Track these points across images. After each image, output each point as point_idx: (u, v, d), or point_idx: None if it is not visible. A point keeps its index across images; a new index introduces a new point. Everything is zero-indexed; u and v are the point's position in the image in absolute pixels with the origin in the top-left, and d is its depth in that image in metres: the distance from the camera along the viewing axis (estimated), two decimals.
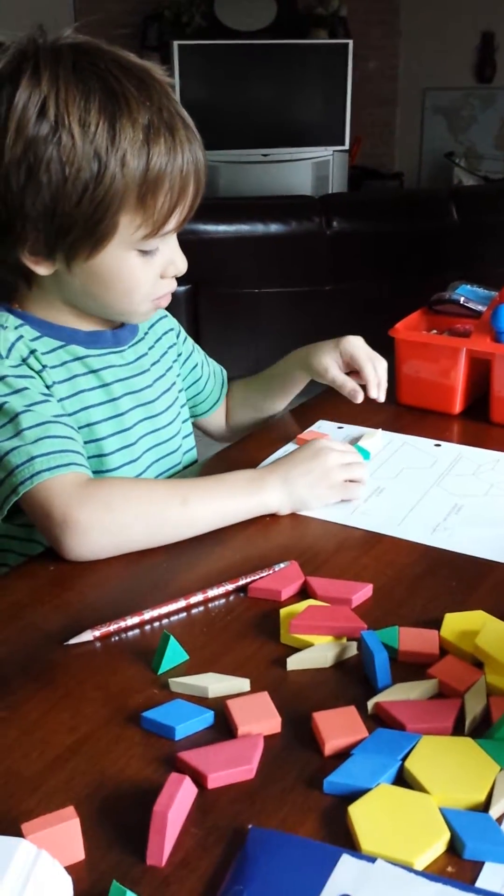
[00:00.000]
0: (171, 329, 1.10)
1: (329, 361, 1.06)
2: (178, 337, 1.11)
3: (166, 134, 0.82)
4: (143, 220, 0.83)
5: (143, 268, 0.87)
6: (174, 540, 0.84)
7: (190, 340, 1.14)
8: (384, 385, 1.06)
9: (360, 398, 1.05)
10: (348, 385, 1.05)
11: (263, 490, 0.87)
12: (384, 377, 1.06)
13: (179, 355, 1.10)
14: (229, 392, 1.21)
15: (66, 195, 0.80)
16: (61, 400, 0.90)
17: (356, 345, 1.06)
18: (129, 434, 0.96)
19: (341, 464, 0.90)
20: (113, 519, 0.80)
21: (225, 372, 1.20)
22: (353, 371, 1.07)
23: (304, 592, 0.76)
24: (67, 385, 0.91)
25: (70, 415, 0.90)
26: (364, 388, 1.05)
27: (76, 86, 0.79)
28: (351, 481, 0.91)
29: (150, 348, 1.03)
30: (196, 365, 1.14)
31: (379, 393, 1.05)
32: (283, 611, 0.72)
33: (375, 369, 1.05)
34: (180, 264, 0.90)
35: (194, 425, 1.17)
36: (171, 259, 0.89)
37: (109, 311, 0.93)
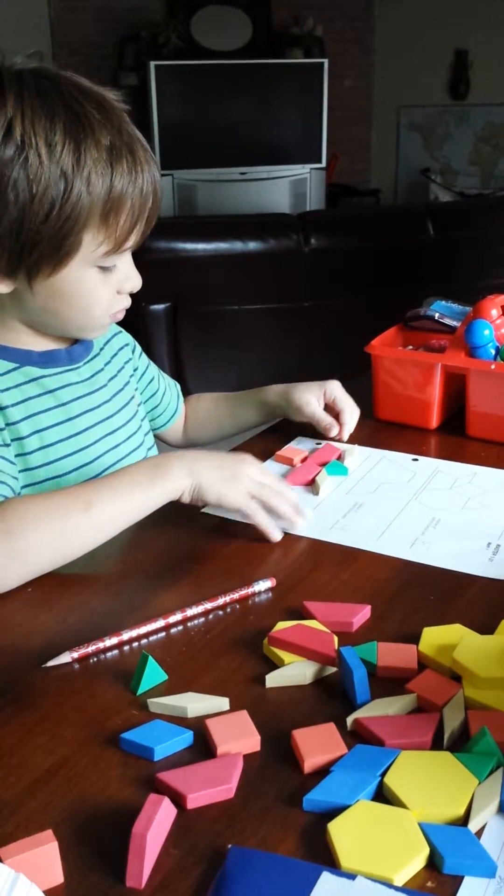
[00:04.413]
0: (127, 344, 1.11)
1: (310, 398, 1.10)
2: (133, 352, 1.12)
3: (127, 155, 0.84)
4: (106, 237, 0.85)
5: (103, 284, 0.89)
6: (85, 550, 0.81)
7: (145, 355, 1.16)
8: (350, 429, 1.11)
9: (334, 432, 1.09)
10: (326, 420, 1.10)
11: (167, 475, 0.83)
12: (354, 423, 1.12)
13: (136, 370, 1.12)
14: (194, 403, 1.23)
15: (34, 211, 0.81)
16: (14, 423, 0.90)
17: (339, 388, 1.11)
18: (88, 452, 0.96)
19: (257, 480, 0.87)
20: (16, 545, 0.77)
21: (179, 386, 1.23)
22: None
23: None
24: (21, 408, 0.92)
25: (24, 438, 0.90)
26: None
27: (41, 108, 0.80)
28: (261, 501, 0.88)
29: (106, 364, 1.04)
30: (152, 378, 1.16)
31: (343, 432, 1.10)
32: (278, 624, 0.71)
33: (353, 412, 1.11)
34: (135, 280, 0.93)
35: (155, 436, 1.20)
36: (127, 275, 0.92)
37: (68, 326, 0.94)
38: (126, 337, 1.12)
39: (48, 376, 0.95)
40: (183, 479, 0.84)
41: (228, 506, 0.86)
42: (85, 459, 0.95)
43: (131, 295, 0.94)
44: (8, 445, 0.90)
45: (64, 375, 0.96)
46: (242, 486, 0.86)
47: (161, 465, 0.84)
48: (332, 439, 1.10)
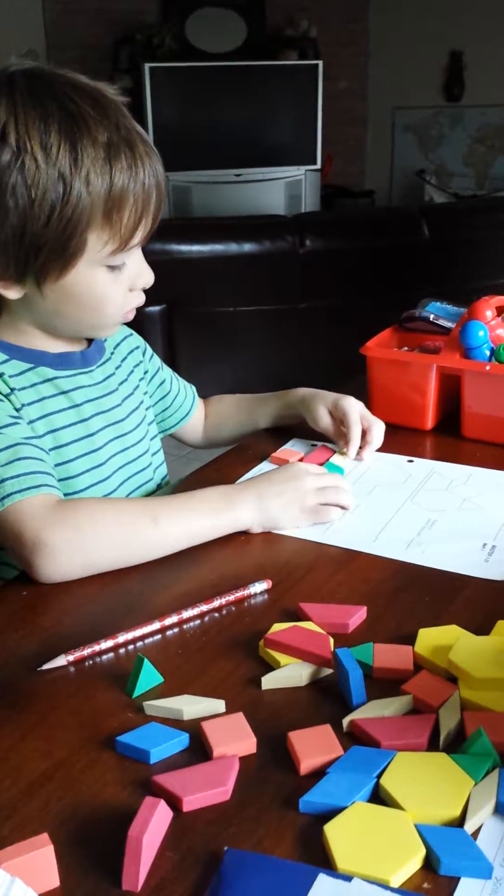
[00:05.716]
0: (137, 347, 1.11)
1: (325, 412, 1.09)
2: (143, 355, 1.12)
3: (126, 150, 0.83)
4: (111, 236, 0.84)
5: (113, 283, 0.89)
6: (145, 560, 0.84)
7: (157, 357, 1.15)
8: (373, 446, 1.07)
9: (347, 450, 1.05)
10: (336, 436, 1.08)
11: (236, 507, 0.87)
12: (378, 439, 1.07)
13: (146, 373, 1.11)
14: (216, 404, 1.23)
15: (34, 216, 0.81)
16: (31, 422, 0.90)
17: (352, 406, 1.07)
18: (98, 454, 0.96)
19: (316, 488, 0.91)
20: (83, 540, 0.80)
21: (194, 388, 1.22)
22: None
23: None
24: (37, 407, 0.91)
25: (39, 437, 0.90)
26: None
27: (34, 110, 0.80)
28: (328, 504, 0.91)
29: (116, 368, 1.04)
30: (164, 381, 1.15)
31: (362, 453, 1.06)
32: (274, 626, 0.71)
33: (371, 430, 1.06)
34: (147, 276, 0.92)
35: (171, 435, 1.20)
36: (138, 272, 0.91)
37: (81, 327, 0.94)
38: (136, 340, 1.11)
39: (62, 378, 0.95)
40: (250, 512, 0.88)
41: (305, 525, 0.90)
42: (96, 462, 0.95)
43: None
44: (40, 437, 0.90)
45: (77, 378, 0.96)
46: (309, 501, 0.90)
47: (229, 496, 0.88)
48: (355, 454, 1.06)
